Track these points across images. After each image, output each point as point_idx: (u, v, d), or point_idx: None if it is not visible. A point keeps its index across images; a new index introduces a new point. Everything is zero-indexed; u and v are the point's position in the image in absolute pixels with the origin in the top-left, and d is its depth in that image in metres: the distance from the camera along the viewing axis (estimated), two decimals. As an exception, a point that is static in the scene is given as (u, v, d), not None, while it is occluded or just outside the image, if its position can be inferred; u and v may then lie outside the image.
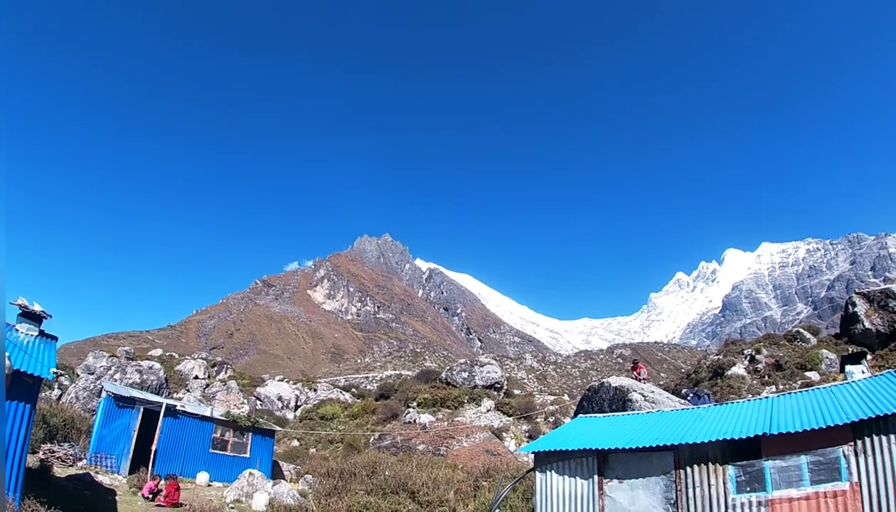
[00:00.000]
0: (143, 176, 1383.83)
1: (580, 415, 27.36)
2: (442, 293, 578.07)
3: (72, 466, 25.70)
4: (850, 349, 42.50)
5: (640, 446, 16.07)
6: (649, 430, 17.57)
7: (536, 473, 18.52)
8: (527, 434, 48.81)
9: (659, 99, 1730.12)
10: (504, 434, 47.23)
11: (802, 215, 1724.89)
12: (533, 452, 19.31)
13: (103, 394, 29.31)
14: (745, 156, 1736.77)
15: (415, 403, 55.27)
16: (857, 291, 49.84)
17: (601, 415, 23.29)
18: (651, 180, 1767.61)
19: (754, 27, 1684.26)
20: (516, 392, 73.69)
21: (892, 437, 12.27)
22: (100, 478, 24.20)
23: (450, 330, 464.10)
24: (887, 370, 16.34)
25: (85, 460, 26.81)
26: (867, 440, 12.55)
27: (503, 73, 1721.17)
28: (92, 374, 48.32)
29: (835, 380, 33.47)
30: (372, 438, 46.80)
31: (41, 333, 16.15)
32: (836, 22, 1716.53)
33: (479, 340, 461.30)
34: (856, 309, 46.25)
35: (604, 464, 16.92)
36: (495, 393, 59.87)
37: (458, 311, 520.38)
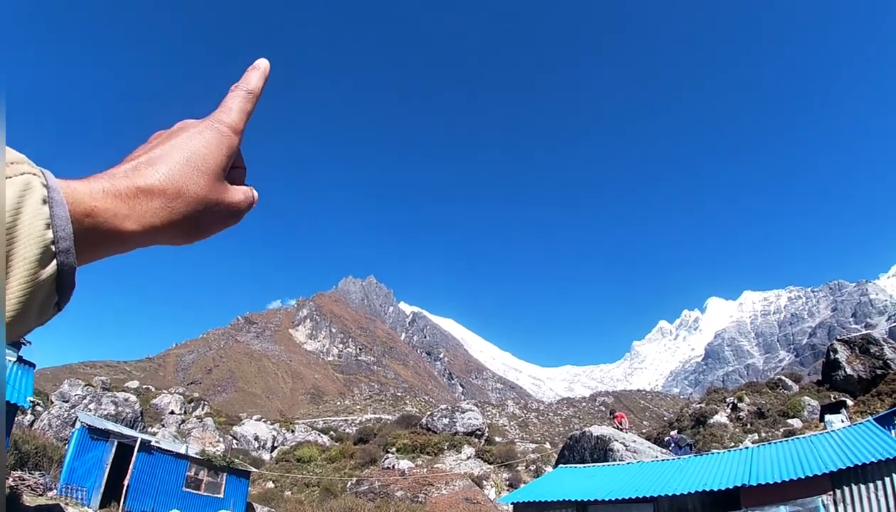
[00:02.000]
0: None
1: (561, 464, 27.21)
2: (425, 337, 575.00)
3: (41, 495, 25.02)
4: (833, 396, 42.84)
5: (620, 498, 16.02)
6: (629, 481, 17.52)
7: (516, 521, 18.32)
8: (507, 483, 48.14)
9: (642, 146, 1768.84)
10: (484, 482, 46.56)
11: (784, 263, 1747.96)
12: (513, 503, 19.16)
13: (77, 424, 28.73)
14: (726, 205, 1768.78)
15: (394, 449, 54.45)
16: (838, 337, 50.43)
17: (582, 465, 23.20)
18: (634, 230, 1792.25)
19: (732, 70, 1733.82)
20: (497, 439, 72.80)
21: (870, 486, 12.35)
22: (70, 510, 23.58)
23: (432, 375, 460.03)
24: (866, 419, 16.51)
25: (55, 491, 26.12)
26: (846, 489, 12.63)
27: (490, 120, 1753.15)
28: (66, 402, 47.36)
29: (817, 427, 33.61)
30: (349, 483, 45.96)
31: (19, 358, 15.96)
32: (815, 66, 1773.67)
33: (461, 385, 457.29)
34: (837, 355, 46.76)
35: (584, 513, 16.80)
36: (476, 440, 59.20)
37: (441, 355, 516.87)
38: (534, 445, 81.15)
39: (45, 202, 0.65)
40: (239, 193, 0.86)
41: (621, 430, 36.83)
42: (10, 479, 24.62)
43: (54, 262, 0.64)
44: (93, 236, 0.68)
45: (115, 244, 0.71)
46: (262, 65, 0.95)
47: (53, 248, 0.64)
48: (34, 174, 0.65)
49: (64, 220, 0.64)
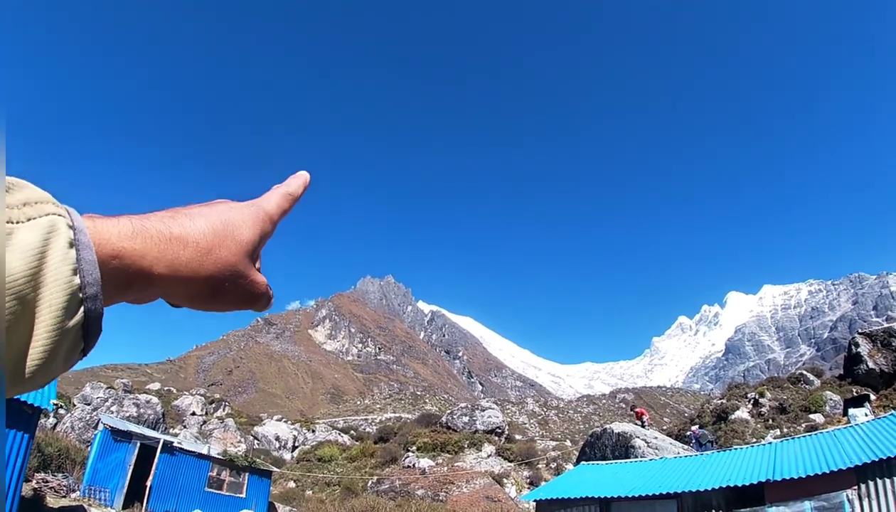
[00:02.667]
0: (144, 205, 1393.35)
1: (583, 461, 27.08)
2: (444, 336, 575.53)
3: (65, 497, 25.36)
4: (855, 390, 42.21)
5: (643, 494, 15.90)
6: (652, 477, 17.39)
7: (537, 518, 18.25)
8: (528, 480, 48.04)
9: (660, 140, 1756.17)
10: (505, 480, 46.50)
11: (804, 257, 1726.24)
12: (535, 500, 19.10)
13: (100, 426, 29.11)
14: (745, 199, 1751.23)
15: (414, 447, 54.57)
16: (859, 331, 49.63)
17: (604, 462, 23.06)
18: (653, 225, 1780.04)
19: (753, 65, 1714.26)
20: (518, 437, 72.70)
21: (895, 479, 12.15)
22: (93, 511, 23.86)
23: (451, 373, 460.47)
24: (890, 412, 16.23)
25: (78, 492, 26.47)
26: (871, 484, 12.43)
27: (510, 128, 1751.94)
28: (89, 404, 48.01)
29: (839, 422, 33.14)
30: (370, 482, 46.10)
31: None
32: (835, 54, 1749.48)
33: (481, 383, 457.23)
34: (859, 349, 46.08)
35: None
36: (496, 438, 59.13)
37: (460, 354, 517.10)
38: (554, 443, 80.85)
39: (71, 245, 0.62)
40: (262, 278, 0.86)
41: (643, 426, 36.56)
42: (34, 481, 25.01)
43: (81, 308, 0.63)
44: (119, 278, 0.66)
45: (141, 287, 0.69)
46: (304, 175, 1.00)
47: (81, 294, 0.63)
48: (59, 215, 0.63)
49: (91, 265, 0.63)
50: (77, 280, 0.62)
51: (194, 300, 0.78)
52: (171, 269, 0.70)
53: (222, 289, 0.78)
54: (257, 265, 0.88)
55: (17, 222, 0.62)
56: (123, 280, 0.67)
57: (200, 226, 0.76)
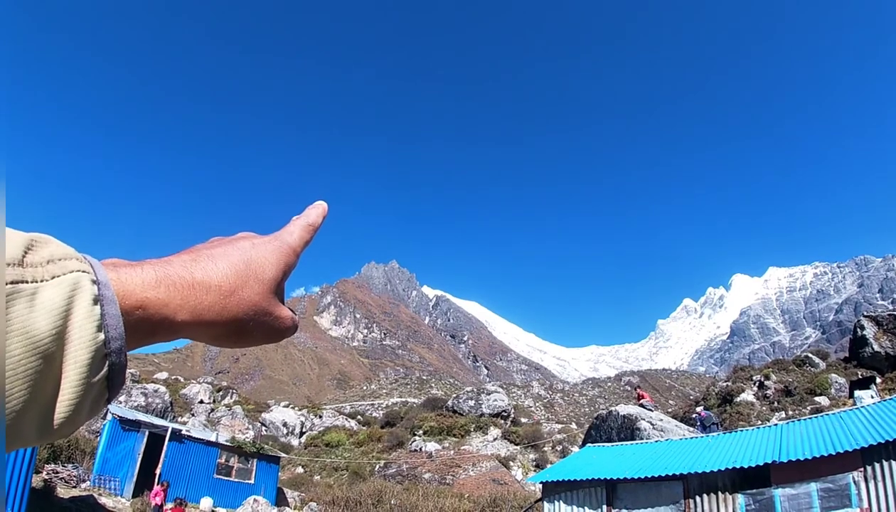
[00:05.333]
0: (149, 195, 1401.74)
1: (588, 444, 27.15)
2: (448, 320, 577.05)
3: (75, 487, 25.62)
4: (860, 373, 42.19)
5: (649, 476, 15.95)
6: (658, 459, 17.43)
7: (544, 503, 18.37)
8: (534, 463, 48.30)
9: (667, 123, 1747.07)
10: (511, 463, 46.75)
11: (809, 239, 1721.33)
12: (541, 482, 19.18)
13: (108, 416, 29.33)
14: (750, 181, 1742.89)
15: (421, 431, 54.85)
16: (865, 313, 49.55)
17: (609, 444, 23.12)
18: (657, 207, 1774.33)
19: (756, 48, 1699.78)
20: (523, 420, 73.02)
21: (902, 462, 12.16)
22: (103, 500, 24.12)
23: (456, 357, 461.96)
24: (896, 395, 16.22)
25: (88, 482, 26.74)
26: (877, 466, 12.44)
27: (513, 104, 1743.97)
28: (98, 396, 48.36)
29: (844, 404, 33.12)
30: (377, 466, 46.43)
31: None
32: (839, 41, 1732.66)
33: (486, 367, 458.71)
34: (864, 332, 46.01)
35: (612, 494, 16.77)
36: (502, 421, 59.41)
37: (465, 338, 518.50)
38: (560, 426, 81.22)
39: (96, 302, 0.63)
40: (287, 312, 0.86)
41: (651, 408, 36.63)
42: (44, 472, 25.25)
43: (106, 363, 0.63)
44: (143, 328, 0.67)
45: (164, 334, 0.70)
46: (322, 205, 0.99)
47: (105, 349, 0.63)
48: (83, 271, 0.63)
49: (116, 320, 0.63)
50: (102, 336, 0.63)
51: (219, 340, 0.78)
52: (194, 315, 0.71)
53: (247, 328, 0.78)
54: (283, 299, 0.88)
55: (42, 280, 0.62)
56: (147, 329, 0.68)
57: (223, 268, 0.76)
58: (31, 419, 0.61)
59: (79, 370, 0.63)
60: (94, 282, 0.63)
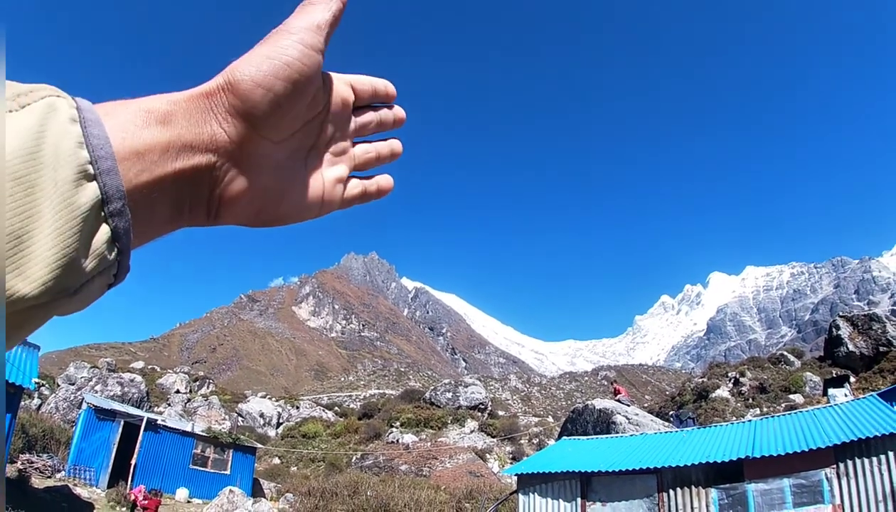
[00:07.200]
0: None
1: (564, 437, 27.35)
2: (427, 312, 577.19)
3: (50, 477, 25.31)
4: (834, 372, 42.93)
5: (624, 469, 16.10)
6: (633, 453, 17.61)
7: (519, 495, 18.47)
8: (510, 456, 48.56)
9: (645, 120, 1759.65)
10: (488, 455, 46.97)
11: (787, 239, 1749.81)
12: (516, 475, 19.28)
13: (84, 405, 28.94)
14: (729, 179, 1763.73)
15: (398, 423, 54.88)
16: (840, 314, 50.46)
17: (585, 437, 23.32)
18: (637, 204, 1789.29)
19: (735, 47, 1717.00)
20: (500, 413, 73.39)
21: (873, 459, 12.41)
22: (78, 490, 23.85)
23: (435, 350, 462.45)
24: (870, 393, 16.54)
25: (63, 472, 26.42)
26: (849, 463, 12.69)
27: (494, 89, 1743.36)
28: (73, 384, 47.71)
29: (818, 402, 33.73)
30: (354, 458, 46.39)
31: (23, 341, 15.97)
32: (819, 40, 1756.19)
33: (464, 360, 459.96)
34: (840, 332, 46.82)
35: (587, 486, 16.91)
36: (479, 414, 59.63)
37: (444, 330, 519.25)
38: (536, 419, 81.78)
39: (73, 121, 0.53)
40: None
41: (623, 403, 37.00)
42: (19, 462, 24.90)
43: (94, 184, 0.53)
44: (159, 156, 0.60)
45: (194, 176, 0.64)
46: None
47: (91, 168, 0.53)
48: (58, 96, 0.54)
49: (102, 140, 0.54)
50: (84, 153, 0.53)
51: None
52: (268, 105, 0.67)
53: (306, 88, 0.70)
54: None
55: (10, 112, 0.51)
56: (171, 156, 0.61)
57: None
58: (24, 260, 0.48)
59: (61, 191, 0.51)
60: (73, 107, 0.54)
